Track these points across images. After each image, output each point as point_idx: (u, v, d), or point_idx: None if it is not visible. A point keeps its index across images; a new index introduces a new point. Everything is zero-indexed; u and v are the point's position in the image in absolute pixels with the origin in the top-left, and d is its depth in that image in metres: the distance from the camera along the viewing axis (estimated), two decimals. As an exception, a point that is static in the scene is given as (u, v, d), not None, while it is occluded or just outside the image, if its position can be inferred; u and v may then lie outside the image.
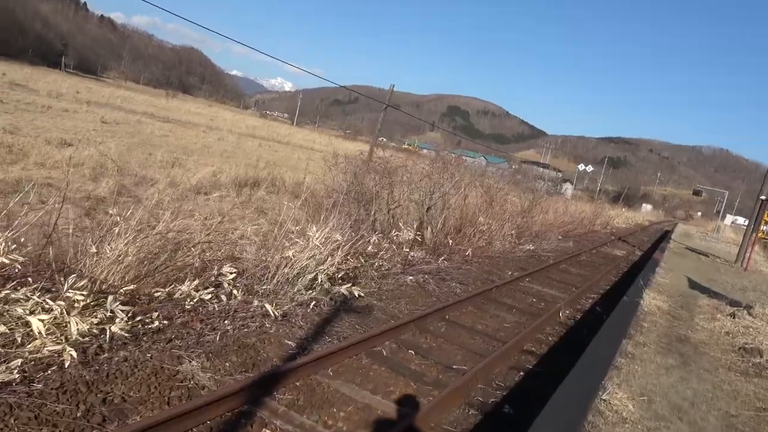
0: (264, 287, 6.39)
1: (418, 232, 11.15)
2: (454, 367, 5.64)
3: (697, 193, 70.82)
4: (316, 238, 7.03)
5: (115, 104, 51.14)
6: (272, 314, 5.62)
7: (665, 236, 29.85)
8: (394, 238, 11.08)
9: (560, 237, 20.19)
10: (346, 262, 8.23)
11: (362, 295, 7.08)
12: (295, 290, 6.56)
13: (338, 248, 7.39)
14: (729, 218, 49.61)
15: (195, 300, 5.65)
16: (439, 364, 5.63)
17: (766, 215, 17.85)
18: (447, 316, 7.35)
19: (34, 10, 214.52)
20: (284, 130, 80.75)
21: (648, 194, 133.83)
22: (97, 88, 72.82)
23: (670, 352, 5.59)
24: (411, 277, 8.75)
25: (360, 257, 8.47)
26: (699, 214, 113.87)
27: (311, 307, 6.28)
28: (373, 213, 11.86)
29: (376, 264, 8.72)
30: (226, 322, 5.39)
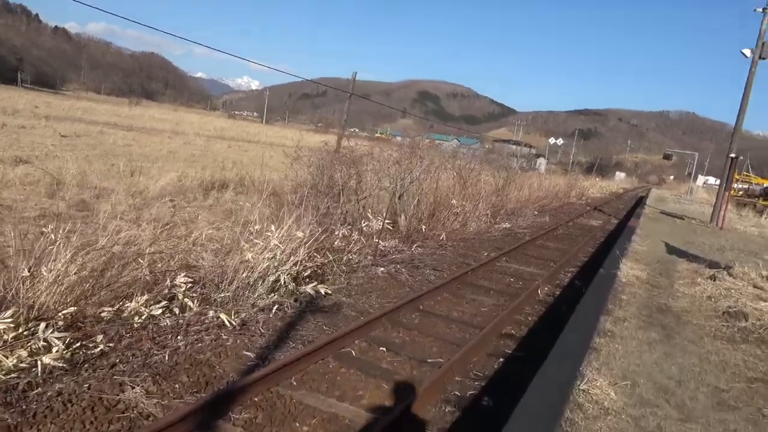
0: (222, 295, 5.97)
1: (388, 221, 10.79)
2: (429, 360, 5.31)
3: (667, 157, 71.72)
4: (275, 238, 6.62)
5: (76, 116, 49.63)
6: (228, 324, 5.22)
7: (640, 202, 30.00)
8: (365, 229, 10.70)
9: (536, 212, 20.03)
10: (312, 259, 7.85)
11: (329, 292, 6.70)
12: (256, 295, 6.16)
13: (300, 246, 6.99)
14: (701, 179, 50.24)
15: (144, 317, 5.22)
16: (412, 359, 5.30)
17: (736, 173, 17.88)
18: (421, 306, 7.02)
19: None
20: (254, 128, 79.53)
21: (620, 162, 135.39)
22: (57, 102, 70.69)
23: (651, 325, 5.30)
24: (382, 269, 8.40)
25: (327, 252, 8.08)
26: (671, 177, 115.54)
27: (273, 311, 5.89)
28: (341, 205, 11.46)
29: (345, 258, 8.34)
30: (178, 337, 4.97)
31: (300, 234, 6.90)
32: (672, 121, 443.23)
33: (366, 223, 10.85)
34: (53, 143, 26.47)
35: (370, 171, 13.10)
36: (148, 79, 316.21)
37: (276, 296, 6.21)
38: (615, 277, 6.76)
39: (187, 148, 33.85)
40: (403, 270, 8.54)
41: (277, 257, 6.64)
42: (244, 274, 6.34)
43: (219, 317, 5.28)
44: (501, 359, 5.56)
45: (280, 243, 6.68)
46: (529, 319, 7.12)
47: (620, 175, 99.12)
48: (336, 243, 8.88)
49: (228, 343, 4.97)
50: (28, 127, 33.15)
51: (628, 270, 7.33)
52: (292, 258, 6.79)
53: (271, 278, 6.49)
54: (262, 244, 6.72)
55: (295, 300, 6.37)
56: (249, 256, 6.62)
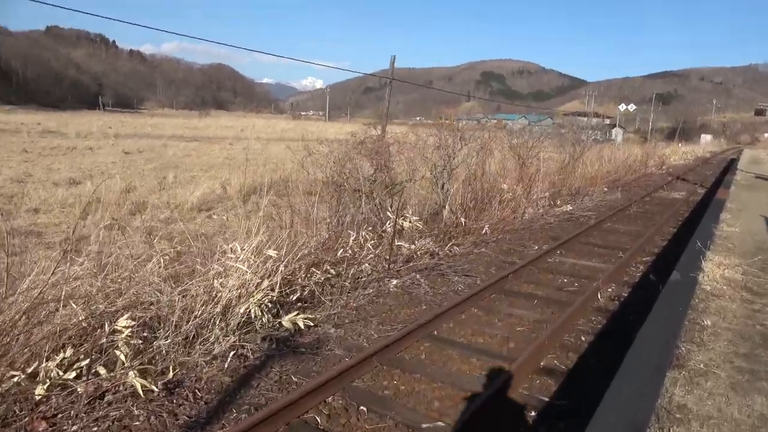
0: (167, 341, 4.70)
1: (416, 218, 9.23)
2: (425, 426, 3.78)
3: (759, 112, 64.83)
4: (239, 259, 5.27)
5: (144, 133, 51.10)
6: (142, 393, 3.88)
7: (730, 166, 26.50)
8: (389, 229, 9.19)
9: (605, 189, 17.70)
10: (310, 276, 6.48)
11: (311, 324, 5.27)
12: (213, 336, 4.84)
13: (277, 267, 5.61)
14: (803, 133, 44.35)
15: (48, 386, 4.02)
16: (401, 424, 3.79)
17: None
18: (435, 332, 5.46)
19: (66, 57, 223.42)
20: (315, 127, 79.64)
21: (706, 124, 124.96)
22: (131, 121, 73.80)
23: (757, 378, 3.28)
24: (397, 281, 6.87)
25: (328, 266, 6.66)
26: (766, 135, 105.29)
27: (229, 360, 4.54)
28: (363, 203, 10.02)
29: (353, 271, 6.89)
30: (82, 415, 3.73)
31: (272, 253, 5.51)
32: (762, 75, 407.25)
33: (390, 222, 9.32)
34: (114, 161, 26.76)
35: (403, 161, 11.59)
36: (218, 90, 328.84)
37: (236, 338, 4.85)
38: (694, 287, 4.74)
39: (243, 154, 33.58)
40: (423, 281, 6.96)
41: (247, 283, 5.31)
42: (207, 308, 5.05)
43: (132, 384, 3.97)
44: (533, 414, 3.94)
45: (247, 268, 5.33)
46: (582, 340, 5.39)
47: (706, 137, 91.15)
48: (345, 251, 7.44)
49: (138, 422, 3.66)
50: (95, 148, 34.08)
51: (714, 269, 5.26)
52: (267, 282, 5.43)
53: (241, 309, 5.16)
54: (234, 264, 5.41)
55: (265, 339, 4.99)
56: (217, 283, 5.34)
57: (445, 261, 8.14)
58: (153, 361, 4.48)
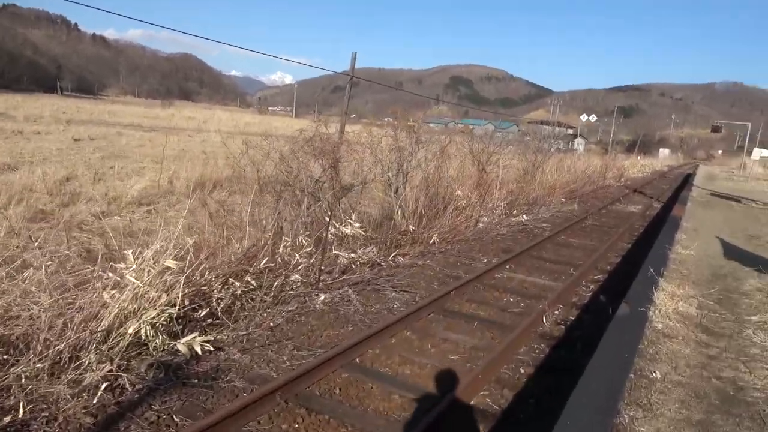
0: (28, 368, 3.91)
1: (358, 224, 8.57)
2: (319, 487, 3.11)
3: (716, 129, 66.47)
4: (130, 269, 4.51)
5: (100, 120, 48.94)
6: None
7: (687, 181, 26.79)
8: (330, 236, 8.49)
9: (563, 199, 17.42)
10: (227, 288, 5.74)
11: (212, 348, 4.55)
12: (88, 362, 4.08)
13: (177, 280, 4.87)
14: (756, 152, 45.70)
15: None
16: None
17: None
18: (357, 360, 4.81)
19: (23, 37, 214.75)
20: (281, 123, 78.25)
21: (665, 138, 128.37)
22: (89, 107, 70.73)
23: None
24: (325, 296, 6.18)
25: (249, 277, 5.93)
26: (720, 152, 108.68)
27: (100, 392, 3.78)
28: (303, 206, 9.31)
29: (278, 283, 6.16)
30: None
31: (172, 263, 4.75)
32: (719, 94, 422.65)
33: (336, 227, 8.62)
34: (60, 148, 25.24)
35: (353, 162, 10.95)
36: (185, 80, 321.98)
37: (114, 365, 4.08)
38: (644, 324, 4.15)
39: (202, 147, 32.30)
40: (354, 296, 6.29)
41: (139, 297, 4.55)
42: (81, 327, 4.27)
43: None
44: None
45: (151, 274, 4.58)
46: (521, 373, 4.81)
47: (664, 152, 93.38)
48: (274, 259, 6.71)
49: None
50: (43, 133, 32.27)
51: (667, 302, 4.68)
52: (165, 297, 4.68)
53: (130, 329, 4.40)
54: (128, 275, 4.64)
55: (151, 366, 4.24)
56: (107, 296, 4.56)
57: (386, 273, 7.50)
58: (4, 394, 3.69)
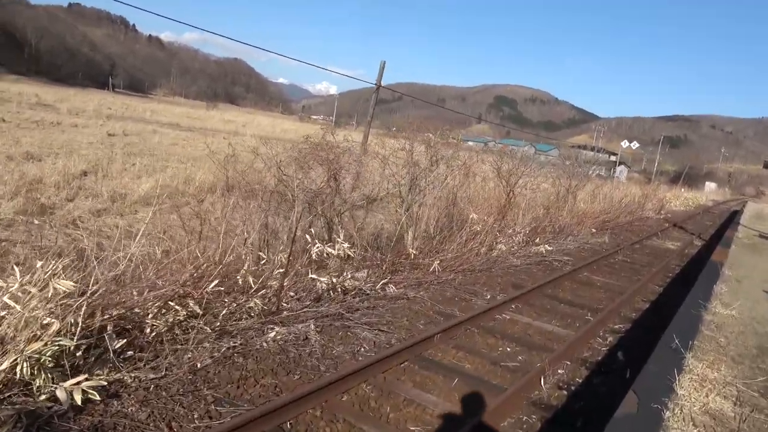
0: None
1: (348, 244, 7.61)
2: None
3: (768, 166, 63.25)
4: (10, 290, 3.67)
5: (141, 117, 49.64)
6: None
7: (733, 218, 24.90)
8: (315, 255, 7.55)
9: (594, 230, 16.09)
10: (164, 314, 4.86)
11: (98, 398, 3.63)
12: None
13: (81, 301, 3.99)
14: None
15: None
16: None
17: None
18: (288, 426, 3.81)
19: (82, 35, 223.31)
20: (312, 129, 78.24)
21: (712, 172, 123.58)
22: (135, 104, 72.24)
23: None
24: (280, 330, 5.21)
25: (192, 304, 5.04)
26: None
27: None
28: (293, 218, 8.41)
29: (228, 311, 5.25)
30: None
31: (63, 286, 3.88)
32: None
33: (316, 247, 7.66)
34: (90, 141, 25.26)
35: (352, 173, 10.04)
36: (232, 84, 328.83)
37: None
38: None
39: (231, 150, 31.97)
40: (316, 334, 5.30)
41: (21, 322, 3.69)
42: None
43: None
44: None
45: (35, 297, 3.73)
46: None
47: (711, 185, 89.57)
48: (233, 280, 5.80)
49: None
50: (80, 126, 32.65)
51: (693, 393, 3.45)
52: (56, 325, 3.81)
53: (3, 364, 3.54)
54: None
55: (10, 418, 3.34)
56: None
57: (367, 305, 6.50)
58: None
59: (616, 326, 7.21)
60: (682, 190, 49.96)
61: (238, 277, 5.88)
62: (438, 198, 11.71)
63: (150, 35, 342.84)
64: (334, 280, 6.94)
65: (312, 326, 5.36)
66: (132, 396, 3.76)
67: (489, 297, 7.76)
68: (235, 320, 5.23)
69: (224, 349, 4.67)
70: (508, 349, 5.84)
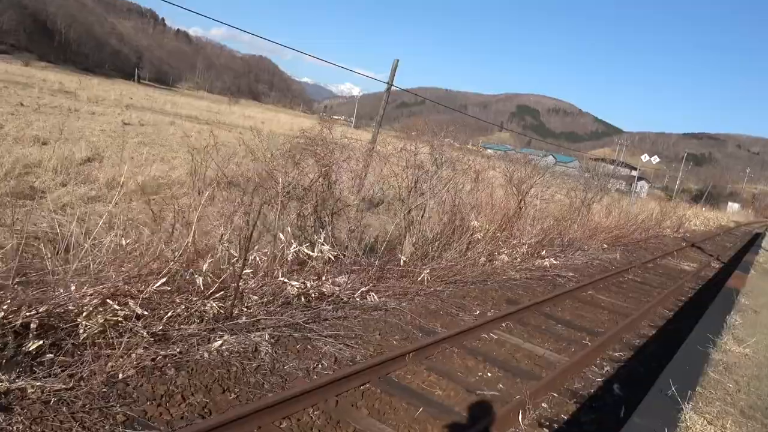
0: None
1: (327, 247, 7.04)
2: None
3: (795, 189, 61.31)
4: None
5: (161, 108, 49.74)
6: None
7: (754, 242, 23.86)
8: (290, 257, 6.98)
9: (605, 245, 15.33)
10: (100, 311, 4.34)
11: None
12: None
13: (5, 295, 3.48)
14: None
15: None
16: None
17: None
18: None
19: (111, 26, 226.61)
20: (337, 131, 78.09)
21: (736, 192, 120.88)
22: (158, 96, 72.65)
23: None
24: (228, 338, 4.64)
25: (131, 301, 4.51)
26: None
27: None
28: (273, 216, 7.87)
29: (174, 312, 4.70)
30: None
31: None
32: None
33: (292, 247, 7.08)
34: (103, 129, 25.12)
35: (346, 171, 9.49)
36: (256, 81, 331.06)
37: None
38: None
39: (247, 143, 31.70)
40: (268, 346, 4.72)
41: None
42: None
43: None
44: None
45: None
46: None
47: (733, 206, 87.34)
48: (159, 285, 5.26)
49: None
50: (97, 114, 32.66)
51: None
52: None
53: None
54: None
55: None
56: None
57: (338, 315, 5.92)
58: None
59: (617, 354, 6.53)
60: (703, 209, 48.62)
61: (197, 276, 5.34)
62: (441, 203, 11.17)
63: (178, 29, 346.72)
64: (309, 284, 6.37)
65: (267, 336, 4.79)
66: (26, 410, 3.22)
67: (478, 313, 7.13)
68: (181, 324, 4.68)
69: (158, 357, 4.12)
70: (489, 375, 5.22)
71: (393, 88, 18.55)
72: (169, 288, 4.78)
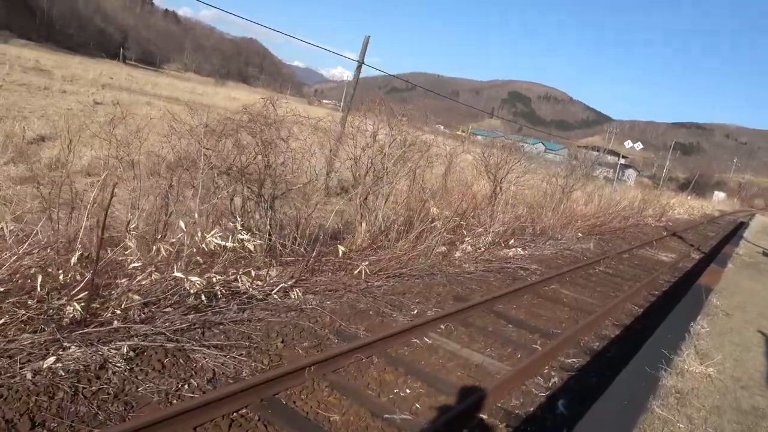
0: None
1: (245, 235, 6.16)
2: None
3: (781, 179, 61.09)
4: None
5: (140, 89, 48.24)
6: None
7: (737, 231, 23.24)
8: (210, 247, 6.09)
9: (580, 234, 14.56)
10: None
11: None
12: None
13: None
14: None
15: None
16: None
17: None
18: None
19: (96, 4, 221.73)
20: (323, 113, 77.17)
21: (723, 182, 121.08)
22: (140, 77, 70.72)
23: None
24: (77, 351, 3.74)
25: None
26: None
27: None
28: (192, 200, 6.97)
29: (3, 320, 3.81)
30: None
31: None
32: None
33: (200, 235, 6.18)
34: (70, 108, 23.95)
35: (286, 151, 8.57)
36: (245, 64, 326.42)
37: None
38: None
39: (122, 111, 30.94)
40: (120, 361, 3.84)
41: None
42: None
43: None
44: None
45: None
46: None
47: (719, 195, 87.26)
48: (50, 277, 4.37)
49: None
50: (69, 93, 31.49)
51: None
52: None
53: None
54: None
55: None
56: None
57: (242, 316, 5.05)
58: None
59: (570, 359, 5.72)
60: (689, 197, 48.14)
61: (59, 272, 4.44)
62: (398, 188, 10.39)
63: (166, 9, 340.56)
64: (216, 279, 5.49)
65: (125, 348, 3.90)
66: None
67: (416, 312, 6.27)
68: (18, 333, 3.79)
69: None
70: (407, 391, 4.37)
71: (361, 65, 17.58)
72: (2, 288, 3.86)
